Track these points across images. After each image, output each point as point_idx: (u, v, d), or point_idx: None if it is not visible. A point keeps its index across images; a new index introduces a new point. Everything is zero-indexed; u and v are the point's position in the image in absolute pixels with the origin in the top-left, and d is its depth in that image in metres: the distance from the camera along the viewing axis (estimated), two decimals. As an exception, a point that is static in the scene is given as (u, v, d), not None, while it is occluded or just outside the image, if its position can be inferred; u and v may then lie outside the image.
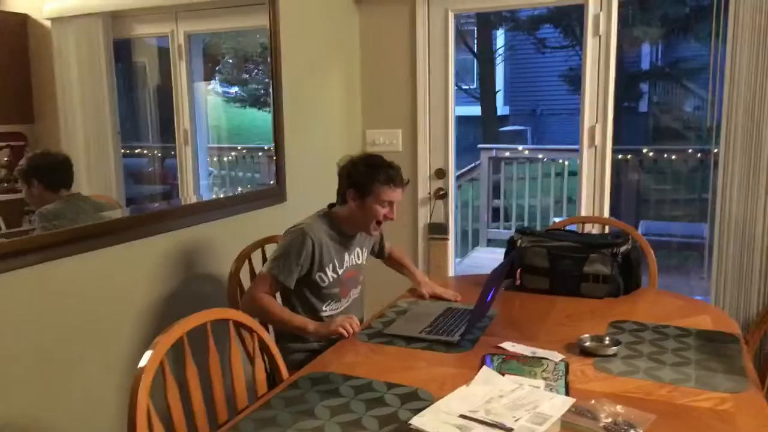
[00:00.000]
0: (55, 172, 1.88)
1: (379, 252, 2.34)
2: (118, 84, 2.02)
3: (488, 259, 5.36)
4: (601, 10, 2.89)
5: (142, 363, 1.32)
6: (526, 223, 5.71)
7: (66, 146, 1.86)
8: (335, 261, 2.03)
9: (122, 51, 2.08)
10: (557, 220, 4.97)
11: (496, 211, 6.09)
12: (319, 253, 1.98)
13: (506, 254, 2.40)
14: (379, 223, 2.03)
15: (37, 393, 1.74)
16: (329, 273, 2.02)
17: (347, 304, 2.13)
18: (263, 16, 2.63)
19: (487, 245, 5.97)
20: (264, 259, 2.16)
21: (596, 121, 2.97)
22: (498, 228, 6.05)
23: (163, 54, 2.26)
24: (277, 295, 2.01)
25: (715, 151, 2.84)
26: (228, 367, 1.59)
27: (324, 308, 2.05)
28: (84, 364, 1.88)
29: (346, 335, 1.84)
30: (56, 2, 1.80)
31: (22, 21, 1.71)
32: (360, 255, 2.17)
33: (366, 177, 1.97)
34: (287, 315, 1.94)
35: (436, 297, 2.21)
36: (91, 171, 1.95)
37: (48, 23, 1.78)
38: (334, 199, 2.10)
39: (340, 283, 2.06)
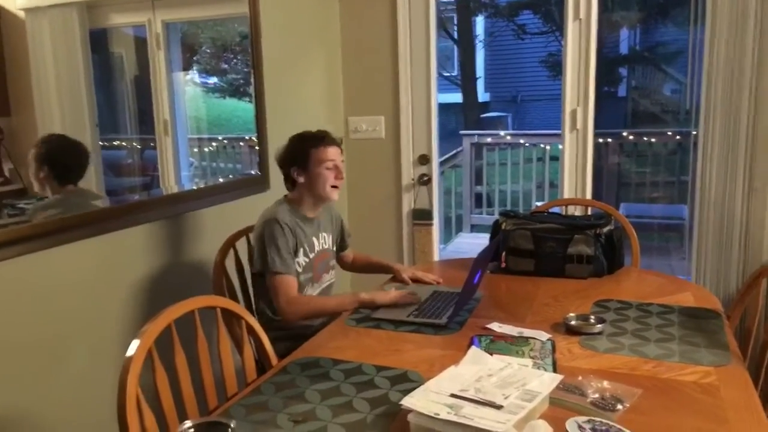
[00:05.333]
0: (72, 165, 1.88)
1: (341, 244, 2.32)
2: (95, 75, 1.98)
3: (472, 244, 5.39)
4: (581, -7, 2.90)
5: (130, 352, 1.32)
6: (508, 208, 5.75)
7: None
8: (305, 245, 2.06)
9: (99, 41, 2.04)
10: (539, 204, 5.00)
11: (478, 197, 6.11)
12: (294, 237, 2.00)
13: (491, 237, 2.42)
14: (333, 186, 2.06)
15: (23, 385, 1.72)
16: (301, 257, 2.04)
17: (320, 288, 2.14)
18: (242, 3, 2.60)
19: (471, 231, 6.00)
20: (249, 248, 2.15)
21: (578, 105, 2.99)
22: (481, 213, 6.08)
23: (141, 44, 2.22)
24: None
25: (694, 133, 2.87)
26: (217, 354, 1.59)
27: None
28: (70, 355, 1.86)
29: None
30: (30, -9, 1.76)
31: (-6, 12, 1.67)
32: (327, 239, 2.18)
33: (299, 148, 2.07)
34: (331, 302, 1.99)
35: (417, 280, 2.22)
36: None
37: (22, 14, 1.74)
38: None
39: (311, 268, 2.08)
